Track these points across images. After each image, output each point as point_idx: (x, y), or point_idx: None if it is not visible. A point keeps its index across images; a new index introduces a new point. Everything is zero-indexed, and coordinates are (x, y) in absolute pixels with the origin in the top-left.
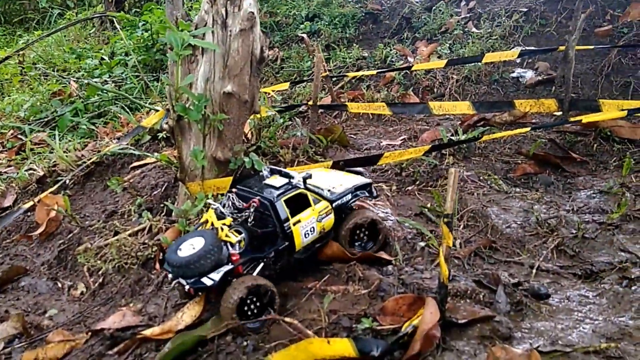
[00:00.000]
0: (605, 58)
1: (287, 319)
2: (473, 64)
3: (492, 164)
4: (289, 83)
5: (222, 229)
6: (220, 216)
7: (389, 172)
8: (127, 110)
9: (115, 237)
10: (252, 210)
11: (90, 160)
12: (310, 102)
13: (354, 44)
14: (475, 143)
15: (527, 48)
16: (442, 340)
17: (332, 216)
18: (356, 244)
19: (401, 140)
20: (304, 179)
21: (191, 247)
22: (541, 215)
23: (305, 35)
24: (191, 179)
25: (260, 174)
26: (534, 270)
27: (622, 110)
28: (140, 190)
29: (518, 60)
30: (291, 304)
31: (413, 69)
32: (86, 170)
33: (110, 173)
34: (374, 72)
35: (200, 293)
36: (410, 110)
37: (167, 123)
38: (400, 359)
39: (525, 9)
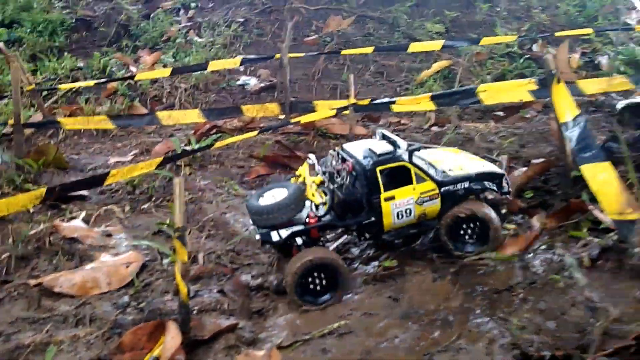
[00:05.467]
0: (315, 64)
1: None
2: (199, 72)
3: (228, 170)
4: None
5: (311, 186)
6: (314, 172)
7: (120, 191)
8: None
9: None
10: (345, 174)
11: None
12: (12, 121)
13: (66, 54)
14: (210, 151)
15: (248, 56)
16: None
17: (437, 202)
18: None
19: (132, 155)
20: (411, 151)
21: (272, 197)
22: None
23: (1, 44)
24: None
25: (373, 136)
26: (273, 267)
27: (332, 109)
28: None
29: (242, 69)
30: None
31: (136, 78)
32: None
33: None
34: (92, 83)
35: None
36: (138, 123)
37: None
38: None
39: (242, 19)
